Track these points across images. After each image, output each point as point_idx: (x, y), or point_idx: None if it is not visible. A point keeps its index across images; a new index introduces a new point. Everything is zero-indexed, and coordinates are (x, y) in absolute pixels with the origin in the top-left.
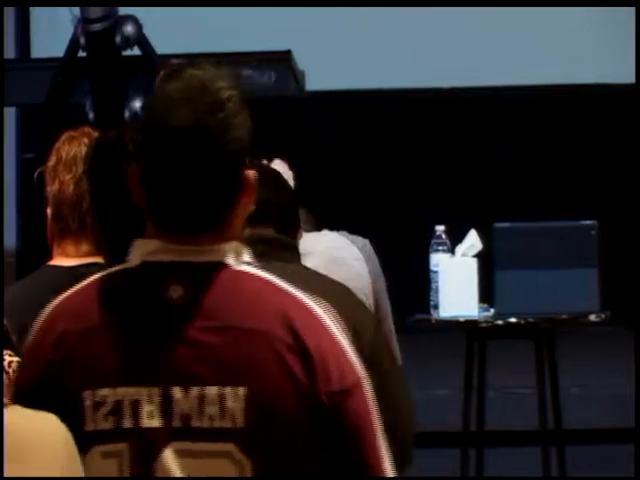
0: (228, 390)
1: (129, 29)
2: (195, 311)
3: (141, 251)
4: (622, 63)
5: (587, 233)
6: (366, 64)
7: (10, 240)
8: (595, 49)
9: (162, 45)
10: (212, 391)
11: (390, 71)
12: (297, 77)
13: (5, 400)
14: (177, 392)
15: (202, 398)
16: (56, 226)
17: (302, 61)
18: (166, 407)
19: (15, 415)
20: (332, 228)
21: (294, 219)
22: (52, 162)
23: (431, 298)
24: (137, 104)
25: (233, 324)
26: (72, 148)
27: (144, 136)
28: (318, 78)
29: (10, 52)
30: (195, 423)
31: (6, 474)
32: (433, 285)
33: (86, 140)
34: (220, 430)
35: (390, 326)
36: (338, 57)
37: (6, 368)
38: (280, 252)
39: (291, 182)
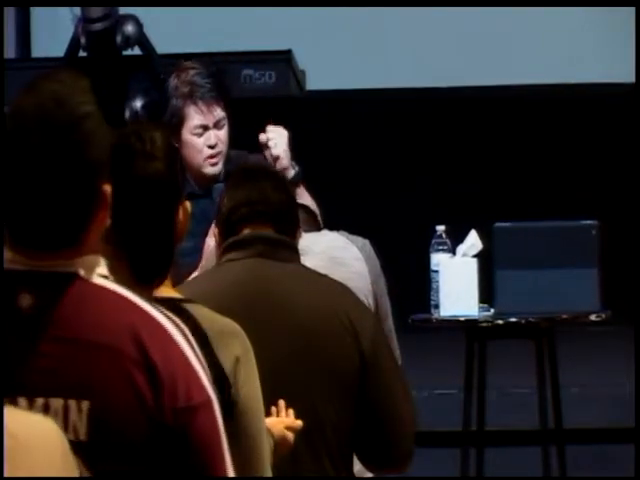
0: (72, 403)
1: (130, 29)
2: (43, 321)
3: None
4: (622, 63)
5: (587, 233)
6: (366, 64)
7: None
8: (595, 49)
9: (163, 45)
10: (56, 403)
11: (390, 71)
12: (297, 77)
13: None
14: (22, 402)
15: (46, 410)
16: None
17: (302, 61)
18: None
19: (8, 416)
20: (332, 228)
21: (293, 219)
22: None
23: (431, 298)
24: (138, 104)
25: (81, 336)
26: None
27: None
28: (318, 78)
29: (10, 52)
30: None
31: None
32: (434, 285)
33: None
34: None
35: (390, 326)
36: (338, 57)
37: None
38: (280, 252)
39: (285, 142)
